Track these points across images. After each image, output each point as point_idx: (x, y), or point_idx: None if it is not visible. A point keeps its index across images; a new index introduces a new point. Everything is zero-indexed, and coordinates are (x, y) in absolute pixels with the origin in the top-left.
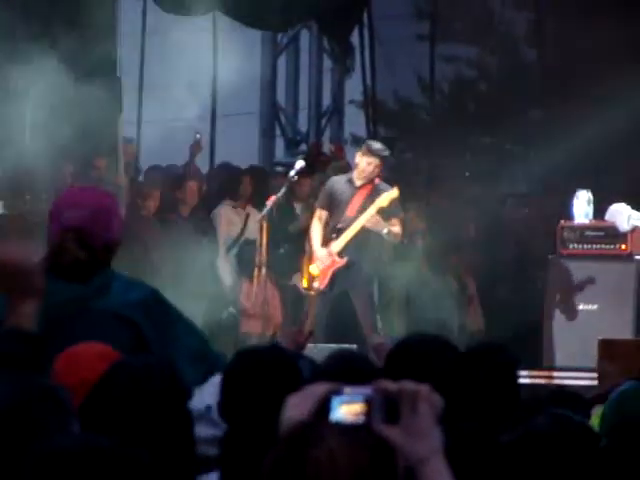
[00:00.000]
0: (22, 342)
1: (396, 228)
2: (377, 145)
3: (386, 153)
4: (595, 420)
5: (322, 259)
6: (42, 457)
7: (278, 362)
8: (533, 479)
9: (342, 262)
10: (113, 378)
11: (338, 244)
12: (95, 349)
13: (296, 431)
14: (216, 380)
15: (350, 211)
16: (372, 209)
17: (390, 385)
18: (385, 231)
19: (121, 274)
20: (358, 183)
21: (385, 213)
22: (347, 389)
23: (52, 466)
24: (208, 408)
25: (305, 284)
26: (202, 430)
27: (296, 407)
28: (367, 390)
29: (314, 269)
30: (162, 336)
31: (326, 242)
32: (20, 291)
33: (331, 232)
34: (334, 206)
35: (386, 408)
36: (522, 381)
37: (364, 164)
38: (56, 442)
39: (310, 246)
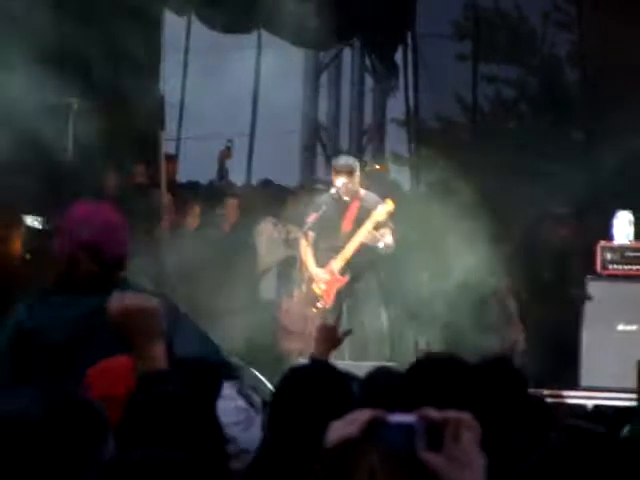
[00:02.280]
0: (173, 383)
1: (389, 238)
2: (340, 161)
3: (350, 167)
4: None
5: (322, 279)
6: (114, 469)
7: (330, 381)
8: None
9: (344, 280)
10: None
11: (338, 262)
12: (125, 363)
13: (339, 449)
14: (226, 396)
15: (345, 227)
16: (369, 224)
17: (434, 413)
18: (381, 245)
19: (138, 285)
20: (345, 199)
21: (376, 226)
22: (392, 416)
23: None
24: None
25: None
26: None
27: (339, 431)
28: (411, 417)
29: (317, 289)
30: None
31: (326, 260)
32: (146, 334)
33: (329, 251)
34: (323, 225)
35: (429, 436)
36: (561, 401)
37: (339, 184)
38: (127, 455)
39: (306, 269)
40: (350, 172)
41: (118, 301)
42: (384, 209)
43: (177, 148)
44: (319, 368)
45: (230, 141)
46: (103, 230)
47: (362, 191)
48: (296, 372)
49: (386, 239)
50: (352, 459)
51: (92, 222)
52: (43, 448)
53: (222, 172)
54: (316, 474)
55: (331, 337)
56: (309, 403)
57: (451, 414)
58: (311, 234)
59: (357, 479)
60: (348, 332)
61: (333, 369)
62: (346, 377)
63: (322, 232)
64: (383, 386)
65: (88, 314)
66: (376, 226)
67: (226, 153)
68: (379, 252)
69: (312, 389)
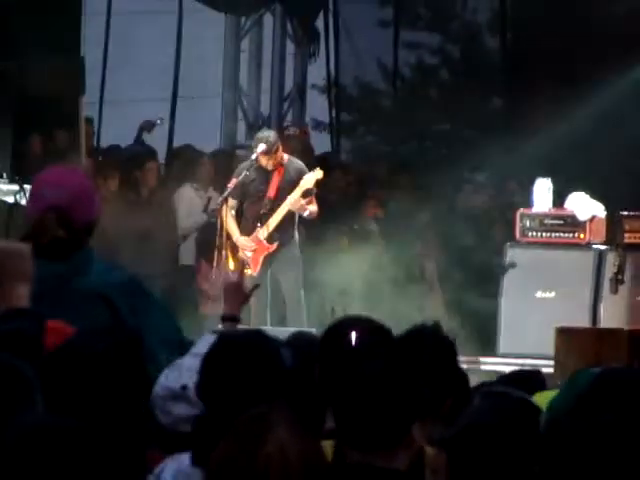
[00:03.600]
0: (28, 319)
1: (313, 207)
2: (258, 135)
3: (269, 143)
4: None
5: (247, 246)
6: (11, 436)
7: (261, 348)
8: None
9: (273, 247)
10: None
11: (265, 230)
12: (52, 325)
13: (247, 424)
14: (192, 361)
15: (270, 193)
16: (297, 192)
17: None
18: (306, 213)
19: (100, 257)
20: (269, 168)
21: (302, 195)
22: None
23: (19, 445)
24: (184, 387)
25: (233, 267)
26: (179, 409)
27: None
28: None
29: (244, 256)
30: (138, 320)
31: (252, 228)
32: (11, 275)
33: (255, 218)
34: (248, 194)
35: None
36: (479, 367)
37: (262, 160)
38: (22, 420)
39: (228, 237)
40: (272, 150)
41: None
42: (314, 177)
43: (99, 112)
44: (250, 334)
45: (161, 119)
46: (72, 194)
47: (285, 157)
48: (226, 338)
49: (310, 207)
50: (261, 433)
51: (62, 185)
52: None
53: (139, 141)
54: (226, 444)
55: (238, 293)
56: (237, 368)
57: None
58: (232, 201)
59: (265, 452)
60: (256, 287)
61: (263, 335)
62: (276, 343)
63: (247, 200)
64: (304, 350)
65: (46, 278)
66: (303, 194)
67: (148, 127)
68: (304, 219)
69: (244, 356)
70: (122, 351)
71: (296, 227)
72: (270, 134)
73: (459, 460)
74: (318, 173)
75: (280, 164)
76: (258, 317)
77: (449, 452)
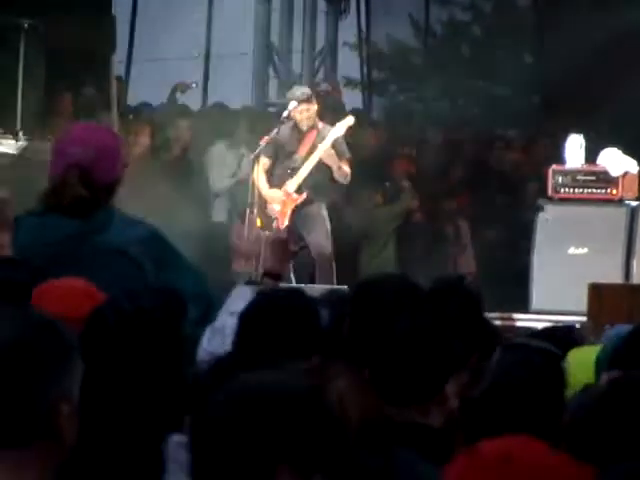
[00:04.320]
0: (16, 268)
1: (346, 167)
2: (296, 92)
3: (305, 96)
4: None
5: (277, 199)
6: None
7: (298, 307)
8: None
9: (301, 197)
10: (102, 321)
11: (294, 182)
12: (79, 285)
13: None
14: (232, 322)
15: (300, 152)
16: (328, 140)
17: None
18: (336, 167)
19: (122, 212)
20: (303, 129)
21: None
22: None
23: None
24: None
25: (260, 224)
26: None
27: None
28: None
29: (272, 210)
30: (160, 274)
31: (281, 181)
32: None
33: (284, 172)
34: (281, 154)
35: None
36: (512, 324)
37: (297, 115)
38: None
39: (259, 191)
40: (308, 100)
41: None
42: (345, 123)
43: (126, 71)
44: (287, 293)
45: (196, 83)
46: (96, 152)
47: (320, 124)
48: (266, 297)
49: (344, 167)
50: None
51: (85, 143)
52: (7, 372)
53: (171, 100)
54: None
55: (283, 250)
56: (275, 327)
57: None
58: (268, 162)
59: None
60: (302, 248)
61: (301, 294)
62: (315, 303)
63: (278, 158)
64: (338, 309)
65: (67, 237)
66: (335, 150)
67: (182, 87)
68: (338, 180)
69: (283, 316)
70: (167, 310)
71: (328, 189)
72: (305, 88)
73: (487, 415)
74: (350, 120)
75: (314, 126)
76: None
77: (477, 411)
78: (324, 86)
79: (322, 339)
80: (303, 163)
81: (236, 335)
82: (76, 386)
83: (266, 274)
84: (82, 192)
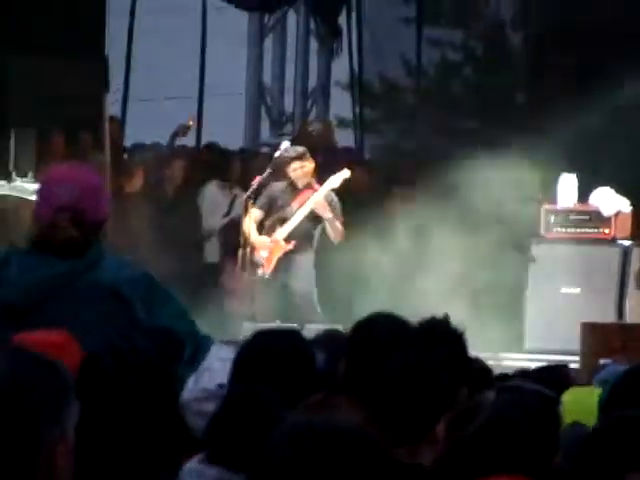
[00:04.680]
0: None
1: (338, 224)
2: (289, 151)
3: (296, 152)
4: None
5: (265, 246)
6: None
7: (295, 349)
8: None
9: (290, 245)
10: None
11: (284, 230)
12: (54, 338)
13: (311, 408)
14: (219, 364)
15: (293, 207)
16: (322, 191)
17: None
18: (330, 219)
19: (112, 253)
20: (299, 186)
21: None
22: None
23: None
24: (221, 386)
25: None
26: (214, 408)
27: None
28: None
29: (259, 256)
30: (150, 315)
31: (270, 229)
32: None
33: (275, 221)
34: (274, 209)
35: None
36: (504, 364)
37: (292, 173)
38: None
39: (245, 237)
40: (301, 157)
41: None
42: (340, 176)
43: (123, 110)
44: (284, 334)
45: (193, 119)
46: (84, 192)
47: (317, 185)
48: (261, 338)
49: (337, 224)
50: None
51: (72, 184)
52: (7, 409)
53: (172, 146)
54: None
55: None
56: (271, 367)
57: None
58: (259, 213)
59: None
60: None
61: (298, 335)
62: (311, 346)
63: (270, 210)
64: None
65: (59, 275)
66: (329, 204)
67: (184, 129)
68: (329, 235)
69: (274, 353)
70: (162, 350)
71: (315, 240)
72: (297, 148)
73: (479, 454)
74: (345, 173)
75: (310, 185)
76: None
77: (469, 447)
78: (316, 126)
79: (318, 381)
80: (294, 214)
81: (231, 375)
82: (72, 426)
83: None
84: (73, 233)
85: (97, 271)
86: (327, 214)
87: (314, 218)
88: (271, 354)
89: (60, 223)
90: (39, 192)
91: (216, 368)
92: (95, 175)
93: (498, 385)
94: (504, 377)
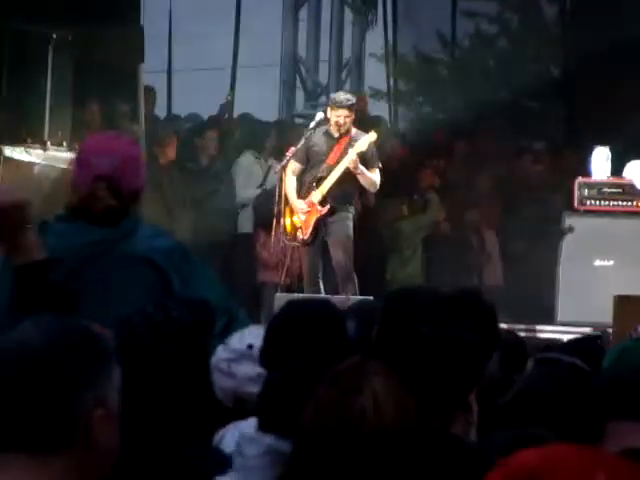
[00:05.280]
0: (54, 271)
1: (372, 174)
2: (341, 96)
3: (350, 102)
4: None
5: (300, 208)
6: None
7: (326, 318)
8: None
9: (324, 210)
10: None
11: (319, 193)
12: None
13: (343, 374)
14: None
15: (330, 160)
16: (352, 153)
17: None
18: (363, 172)
19: (147, 223)
20: (335, 135)
21: (364, 163)
22: None
23: None
24: (250, 347)
25: (289, 229)
26: (244, 368)
27: None
28: None
29: (297, 220)
30: (183, 286)
31: (307, 192)
32: (18, 225)
33: (311, 182)
34: (312, 159)
35: None
36: (537, 336)
37: (334, 118)
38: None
39: (286, 199)
40: (350, 107)
41: None
42: (367, 139)
43: (168, 82)
44: (316, 303)
45: (230, 95)
46: (123, 162)
47: (353, 130)
48: (294, 306)
49: (373, 175)
50: (357, 382)
51: (110, 153)
52: (47, 377)
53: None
54: (322, 393)
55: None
56: (302, 336)
57: None
58: (299, 166)
59: (360, 402)
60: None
61: (330, 305)
62: (342, 314)
63: (308, 163)
64: (367, 320)
65: (94, 243)
66: (363, 161)
67: (227, 105)
68: (365, 187)
69: (306, 322)
70: (196, 320)
71: (354, 199)
72: (349, 96)
73: (511, 424)
74: (372, 135)
75: (347, 134)
76: (311, 285)
77: (503, 417)
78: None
79: (349, 349)
80: (330, 172)
81: (263, 344)
82: (114, 390)
83: None
84: (112, 202)
85: (132, 240)
86: (358, 170)
87: (349, 176)
88: (303, 321)
89: (99, 193)
90: (77, 161)
91: (246, 331)
92: (133, 145)
93: (538, 356)
94: (544, 348)
